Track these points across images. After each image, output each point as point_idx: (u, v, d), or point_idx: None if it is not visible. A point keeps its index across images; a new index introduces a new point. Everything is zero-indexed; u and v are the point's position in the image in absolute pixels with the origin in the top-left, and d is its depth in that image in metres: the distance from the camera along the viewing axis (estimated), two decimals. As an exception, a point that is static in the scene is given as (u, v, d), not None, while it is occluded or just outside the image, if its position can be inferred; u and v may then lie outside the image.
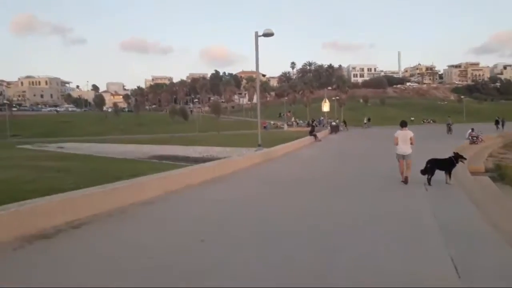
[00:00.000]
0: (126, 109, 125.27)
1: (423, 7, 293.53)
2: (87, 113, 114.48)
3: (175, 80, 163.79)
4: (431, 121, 79.15)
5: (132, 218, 7.37)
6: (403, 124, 11.36)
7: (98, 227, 6.61)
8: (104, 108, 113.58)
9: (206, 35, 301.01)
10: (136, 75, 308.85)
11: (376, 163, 16.13)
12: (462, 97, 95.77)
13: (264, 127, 67.51)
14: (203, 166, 12.23)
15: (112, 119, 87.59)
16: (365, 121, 64.55)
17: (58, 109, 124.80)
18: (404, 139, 11.03)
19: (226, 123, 73.39)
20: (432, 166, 10.64)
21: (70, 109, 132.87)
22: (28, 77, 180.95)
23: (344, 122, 57.13)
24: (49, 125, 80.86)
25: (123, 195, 8.21)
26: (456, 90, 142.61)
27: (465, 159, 11.24)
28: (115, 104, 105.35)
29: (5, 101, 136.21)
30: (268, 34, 18.18)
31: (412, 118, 79.00)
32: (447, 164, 10.73)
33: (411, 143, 11.03)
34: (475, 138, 31.35)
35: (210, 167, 12.09)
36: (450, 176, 10.74)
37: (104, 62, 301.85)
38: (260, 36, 18.46)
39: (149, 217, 7.51)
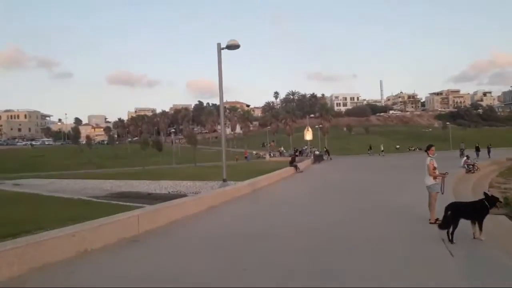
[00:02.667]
0: (105, 142, 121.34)
1: (402, 36, 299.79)
2: (63, 147, 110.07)
3: (158, 112, 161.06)
4: (417, 149, 76.92)
5: None
6: (427, 148, 9.45)
7: None
8: (82, 141, 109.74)
9: (191, 68, 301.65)
10: (122, 108, 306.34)
11: (368, 201, 13.04)
12: (448, 123, 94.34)
13: (245, 157, 64.66)
14: (128, 215, 8.67)
15: (87, 153, 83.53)
16: (382, 149, 62.18)
17: (34, 143, 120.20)
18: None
19: (206, 154, 70.18)
20: (455, 214, 7.04)
21: (46, 142, 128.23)
22: (7, 110, 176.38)
23: (327, 151, 54.16)
24: (20, 159, 76.62)
25: None
26: (440, 117, 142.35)
27: (500, 202, 7.67)
28: (88, 137, 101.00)
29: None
30: (232, 46, 15.29)
31: (398, 146, 77.31)
32: (477, 211, 7.13)
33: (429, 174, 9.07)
34: (471, 166, 28.67)
35: (141, 215, 8.71)
36: (481, 228, 7.13)
37: (90, 96, 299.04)
38: (223, 48, 15.55)
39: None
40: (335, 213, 10.93)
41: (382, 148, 62.36)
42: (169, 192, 28.08)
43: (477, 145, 44.69)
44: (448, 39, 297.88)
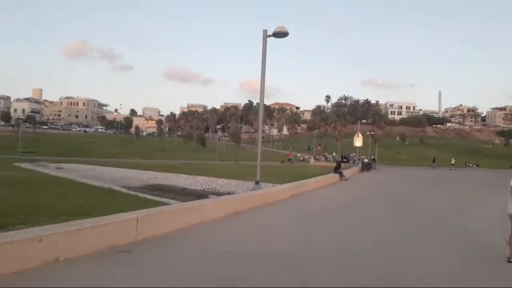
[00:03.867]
0: (155, 134, 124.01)
1: (465, 48, 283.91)
2: (114, 135, 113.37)
3: (209, 109, 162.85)
4: (474, 165, 71.50)
5: None
6: None
7: None
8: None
9: (246, 68, 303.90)
10: (176, 103, 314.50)
11: (425, 222, 11.08)
12: (511, 140, 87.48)
13: (289, 160, 62.97)
14: (125, 217, 7.22)
15: (135, 143, 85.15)
16: (452, 162, 59.66)
17: (88, 130, 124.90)
18: None
19: (250, 153, 68.98)
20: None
21: (99, 130, 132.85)
22: (67, 97, 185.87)
23: (373, 159, 51.30)
24: (71, 144, 79.24)
25: None
26: (502, 133, 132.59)
27: None
28: (137, 128, 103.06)
29: (43, 119, 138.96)
30: (279, 33, 13.75)
31: (454, 160, 72.13)
32: None
33: None
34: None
35: (142, 218, 7.32)
36: None
37: (147, 89, 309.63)
38: (269, 36, 14.03)
39: None
40: (378, 235, 9.03)
41: (453, 162, 58.88)
42: (203, 189, 27.07)
43: None
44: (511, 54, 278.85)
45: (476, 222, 11.49)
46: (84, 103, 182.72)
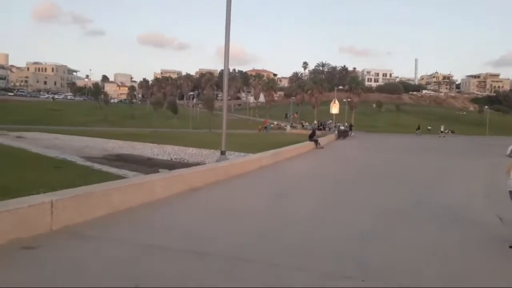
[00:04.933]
0: (127, 101, 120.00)
1: (441, 16, 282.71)
2: (84, 102, 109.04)
3: (183, 75, 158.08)
4: (449, 131, 71.43)
5: None
6: None
7: None
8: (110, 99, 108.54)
9: (223, 33, 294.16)
10: (149, 69, 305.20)
11: (406, 195, 9.75)
12: (486, 107, 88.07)
13: (265, 128, 61.47)
14: (35, 201, 5.52)
15: (105, 110, 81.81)
16: (441, 129, 58.60)
17: (56, 97, 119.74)
18: None
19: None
20: None
21: (68, 97, 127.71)
22: (35, 63, 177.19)
23: (350, 126, 50.36)
24: (37, 112, 75.43)
25: None
26: (476, 100, 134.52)
27: None
28: (105, 94, 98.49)
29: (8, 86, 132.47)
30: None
31: (429, 127, 72.14)
32: None
33: None
34: (520, 156, 24.62)
35: (58, 201, 5.63)
36: None
37: (119, 55, 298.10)
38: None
39: None
40: (358, 216, 7.51)
41: (442, 129, 58.35)
42: (171, 159, 25.35)
43: None
44: (489, 21, 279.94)
45: (463, 192, 10.28)
46: (53, 68, 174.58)
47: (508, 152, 25.69)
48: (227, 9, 12.53)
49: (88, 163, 18.57)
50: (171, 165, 20.62)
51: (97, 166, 17.51)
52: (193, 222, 6.47)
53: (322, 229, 6.45)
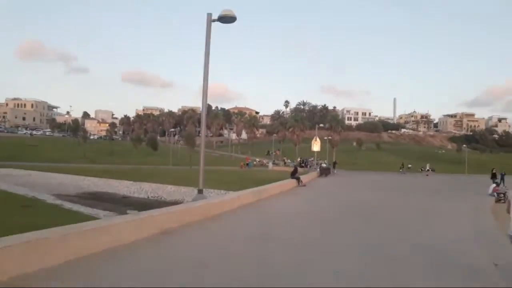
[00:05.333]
0: (106, 137, 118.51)
1: (417, 57, 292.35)
2: (64, 138, 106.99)
3: (165, 112, 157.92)
4: (430, 170, 71.88)
5: None
6: None
7: None
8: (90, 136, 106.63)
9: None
10: (132, 106, 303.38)
11: (398, 237, 9.17)
12: (464, 146, 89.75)
13: (247, 164, 60.99)
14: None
15: (83, 146, 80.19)
16: (427, 168, 60.15)
17: (35, 133, 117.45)
18: None
19: (207, 157, 66.38)
20: None
21: (47, 133, 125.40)
22: (14, 99, 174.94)
23: (334, 164, 50.28)
24: (13, 148, 73.26)
25: None
26: (454, 139, 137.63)
27: None
28: (84, 131, 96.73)
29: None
30: (226, 18, 11.63)
31: (410, 165, 72.59)
32: None
33: None
34: (501, 195, 24.49)
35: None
36: None
37: (102, 92, 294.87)
38: (214, 20, 11.88)
39: None
40: (346, 263, 6.94)
41: (428, 167, 59.05)
42: (148, 197, 24.44)
43: (494, 171, 37.20)
44: (464, 64, 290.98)
45: (455, 239, 9.78)
46: (32, 104, 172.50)
47: (490, 191, 25.65)
48: (206, 46, 12.24)
49: (59, 202, 17.54)
50: (147, 204, 19.81)
51: (67, 205, 16.53)
52: (160, 272, 5.75)
53: (308, 276, 5.80)
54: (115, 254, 6.26)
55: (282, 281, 5.56)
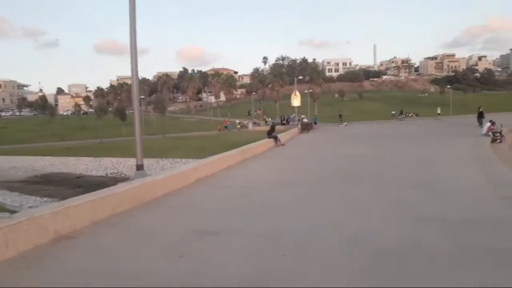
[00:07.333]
0: (81, 112, 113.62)
1: (396, 1, 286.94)
2: (33, 117, 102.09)
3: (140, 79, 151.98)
4: (414, 115, 69.99)
5: None
6: None
7: None
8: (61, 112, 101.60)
9: (182, 35, 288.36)
10: (107, 77, 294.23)
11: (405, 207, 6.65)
12: (448, 87, 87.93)
13: (226, 127, 58.19)
14: None
15: (53, 124, 76.01)
16: (438, 112, 58.62)
17: (4, 114, 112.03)
18: None
19: (184, 123, 63.28)
20: None
21: (17, 113, 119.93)
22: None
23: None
24: (-22, 132, 69.01)
25: None
26: (436, 81, 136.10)
27: None
28: (51, 107, 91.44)
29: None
30: None
31: (393, 112, 70.50)
32: None
33: None
34: (497, 134, 22.37)
35: None
36: None
37: (75, 66, 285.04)
38: None
39: None
40: (328, 256, 4.35)
41: (439, 111, 57.80)
42: (106, 174, 21.68)
43: (480, 109, 34.28)
44: (441, 4, 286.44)
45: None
46: (0, 85, 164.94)
47: (484, 131, 23.74)
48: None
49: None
50: (102, 183, 16.97)
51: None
52: None
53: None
54: None
55: None
